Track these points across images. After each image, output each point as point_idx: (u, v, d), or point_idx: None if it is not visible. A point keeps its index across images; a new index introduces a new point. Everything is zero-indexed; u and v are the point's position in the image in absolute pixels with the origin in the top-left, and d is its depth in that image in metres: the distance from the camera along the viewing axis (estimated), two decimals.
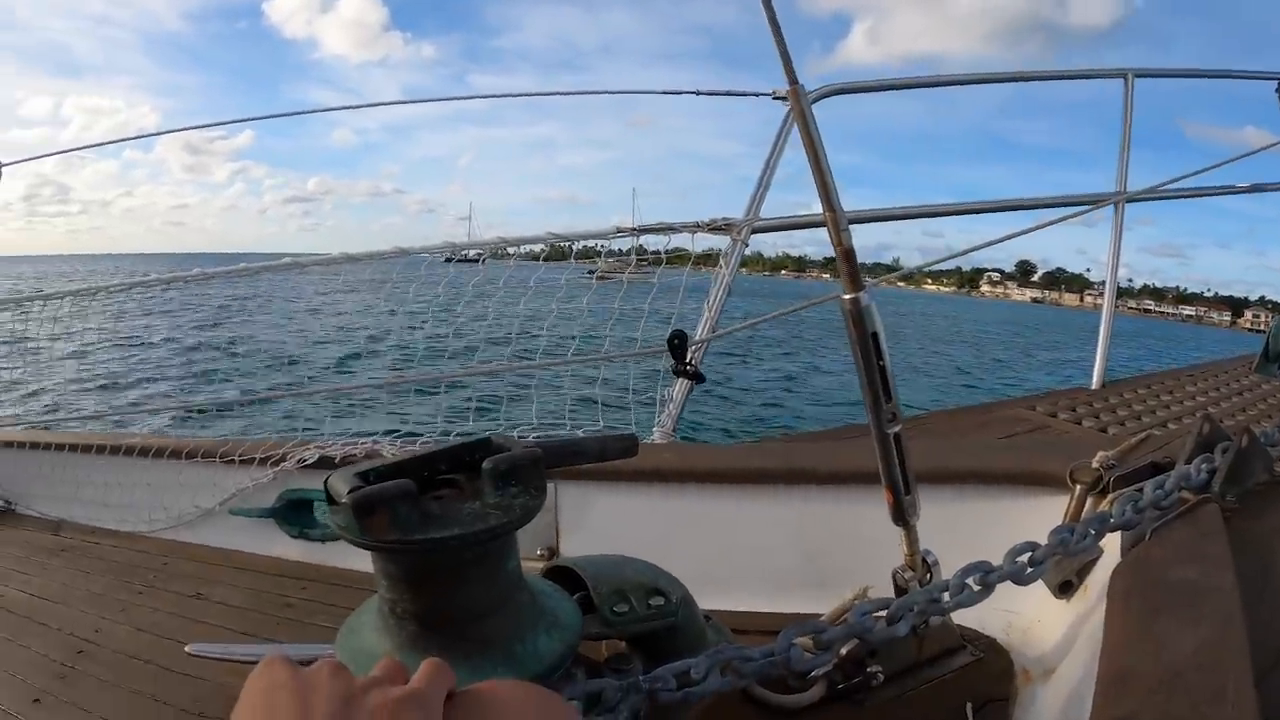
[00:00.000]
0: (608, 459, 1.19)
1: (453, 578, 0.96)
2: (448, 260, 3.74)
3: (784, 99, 3.22)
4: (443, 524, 0.91)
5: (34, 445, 4.05)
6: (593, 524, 2.57)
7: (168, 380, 14.11)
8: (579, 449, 1.17)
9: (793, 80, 1.25)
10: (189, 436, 3.78)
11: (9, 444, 4.17)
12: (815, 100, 3.20)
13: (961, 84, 3.89)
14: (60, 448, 3.93)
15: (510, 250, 3.63)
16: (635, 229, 3.24)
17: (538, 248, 3.56)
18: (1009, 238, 3.82)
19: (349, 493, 0.90)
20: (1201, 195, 4.30)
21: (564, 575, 1.26)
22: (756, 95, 3.29)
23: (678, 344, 2.91)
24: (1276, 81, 4.58)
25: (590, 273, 4.07)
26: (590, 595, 1.20)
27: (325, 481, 0.98)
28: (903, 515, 1.41)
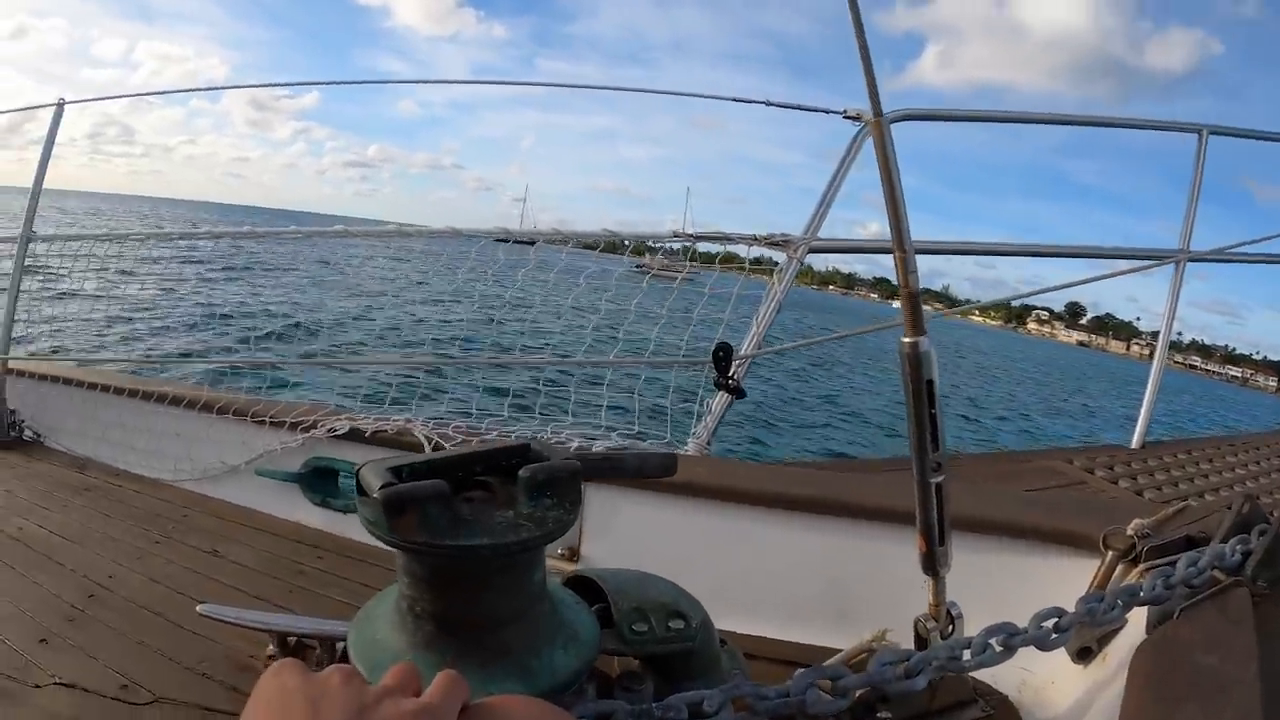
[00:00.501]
0: (646, 476, 1.18)
1: (477, 584, 0.94)
2: (499, 240, 3.76)
3: (855, 119, 3.21)
4: (473, 531, 0.90)
5: (67, 381, 4.12)
6: (618, 529, 2.56)
7: (205, 333, 14.23)
8: (618, 465, 1.15)
9: (878, 112, 1.23)
10: (220, 391, 3.82)
11: (44, 377, 4.24)
12: (890, 123, 3.17)
13: (1038, 122, 3.79)
14: (93, 387, 4.00)
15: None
16: (692, 235, 3.24)
17: (567, 232, 3.58)
18: (1065, 286, 3.78)
19: (381, 488, 0.89)
20: (1267, 261, 4.20)
21: (585, 584, 1.25)
22: (828, 112, 3.28)
23: (722, 357, 2.90)
24: None
25: (638, 268, 4.07)
26: (610, 609, 1.20)
27: (357, 471, 0.96)
28: (933, 565, 1.39)
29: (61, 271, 4.59)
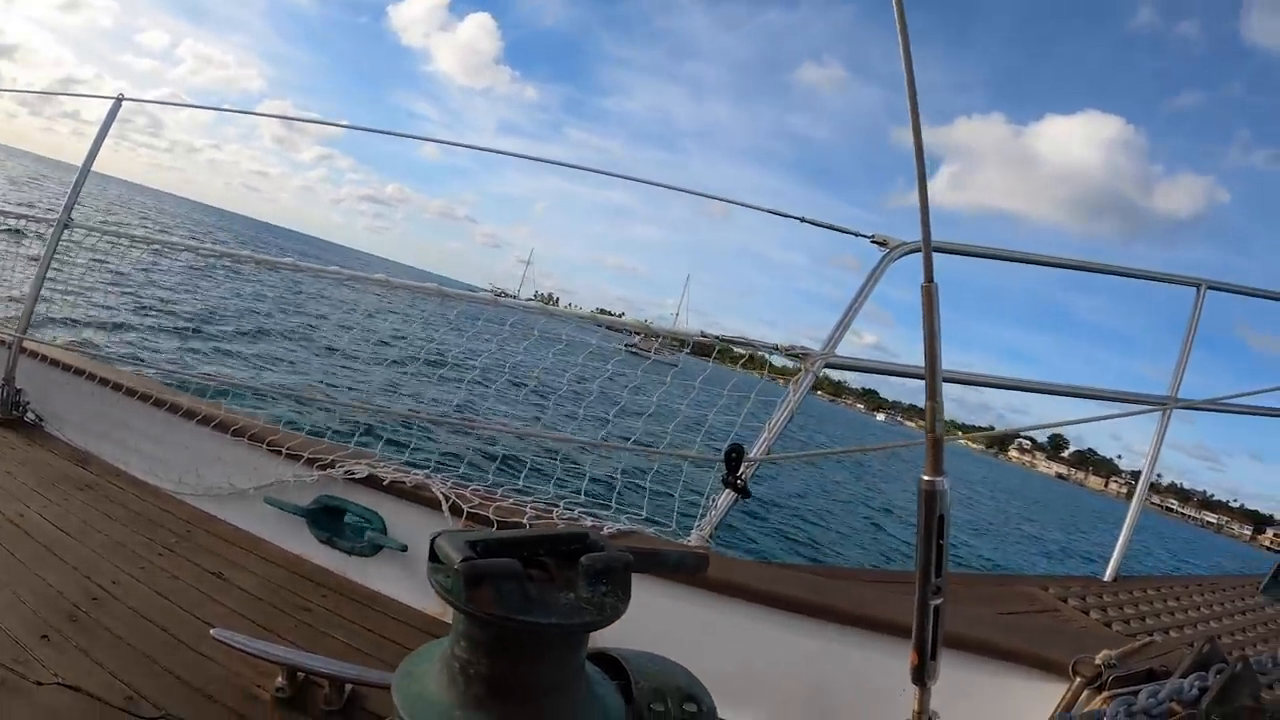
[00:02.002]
0: (681, 573, 1.29)
1: (531, 656, 1.03)
2: (503, 295, 3.80)
3: (881, 244, 3.36)
4: (543, 610, 0.98)
5: (79, 371, 4.10)
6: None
7: (216, 348, 14.10)
8: (659, 560, 1.25)
9: (929, 279, 1.35)
10: (231, 409, 3.82)
11: (53, 362, 4.20)
12: (905, 254, 3.31)
13: (1045, 265, 3.84)
14: (105, 382, 3.98)
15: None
16: (718, 337, 3.34)
17: (589, 310, 3.66)
18: (1057, 425, 3.89)
19: (462, 561, 0.97)
20: (1254, 414, 4.22)
21: (606, 661, 1.31)
22: (857, 235, 3.44)
23: (734, 457, 3.01)
24: None
25: (628, 347, 4.10)
26: (630, 687, 1.30)
27: (434, 540, 1.05)
28: (923, 677, 1.51)
29: (94, 263, 4.55)
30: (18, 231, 4.80)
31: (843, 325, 3.34)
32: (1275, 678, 2.35)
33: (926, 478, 1.35)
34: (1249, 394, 4.10)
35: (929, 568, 1.36)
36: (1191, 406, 4.07)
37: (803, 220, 3.66)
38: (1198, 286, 4.03)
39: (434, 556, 1.04)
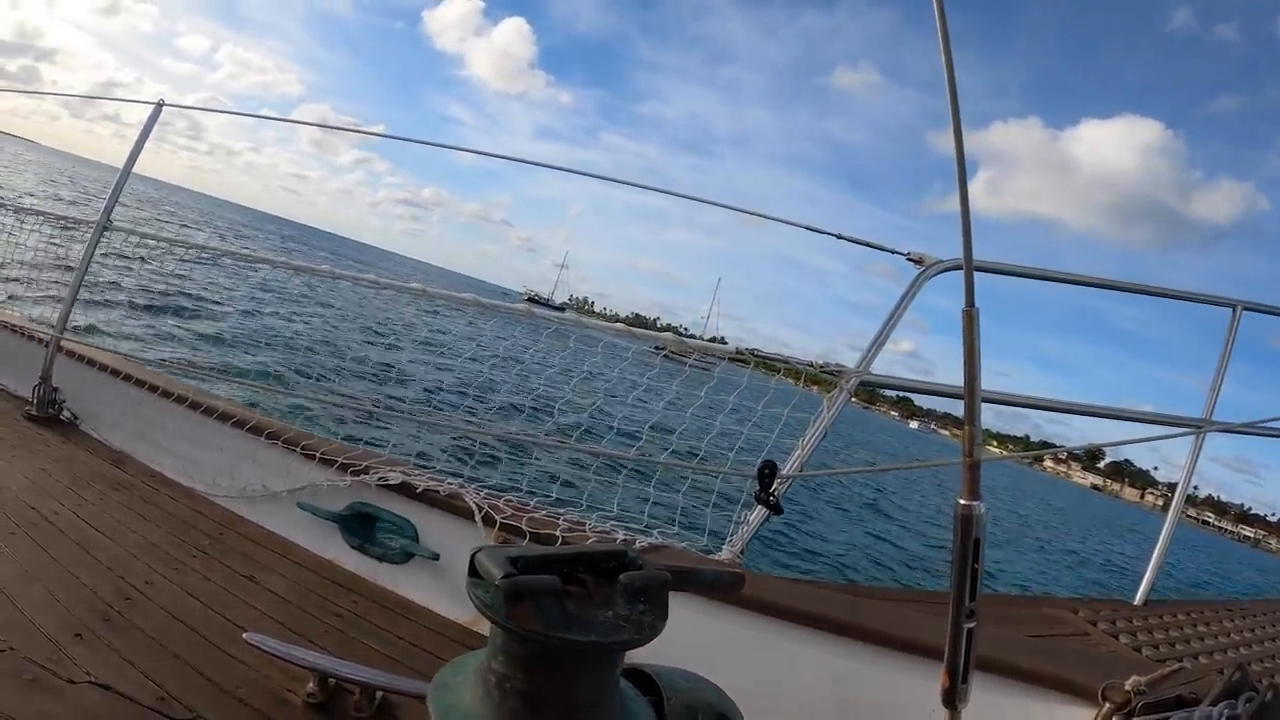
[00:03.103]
0: (717, 591, 1.31)
1: (568, 673, 1.03)
2: (534, 301, 3.82)
3: (917, 262, 3.36)
4: (582, 627, 0.99)
5: (115, 372, 4.14)
6: None
7: (254, 351, 14.16)
8: (696, 578, 1.26)
9: (970, 303, 1.34)
10: (267, 414, 3.87)
11: (92, 362, 4.23)
12: (941, 272, 3.30)
13: (1078, 284, 3.78)
14: (140, 383, 4.03)
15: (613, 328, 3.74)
16: (752, 352, 3.34)
17: (624, 314, 3.66)
18: (1092, 447, 3.75)
19: (503, 577, 0.98)
20: None
21: (638, 677, 1.30)
22: (893, 253, 3.44)
23: (767, 474, 3.00)
24: None
25: (657, 349, 4.11)
26: (662, 703, 1.32)
27: (474, 555, 1.03)
28: (953, 700, 1.52)
29: (132, 265, 4.58)
30: (67, 229, 4.83)
31: (878, 342, 3.33)
32: None
33: (964, 502, 1.36)
34: None
35: (963, 591, 1.37)
36: (1227, 430, 4.00)
37: (840, 237, 3.65)
38: (1233, 307, 3.99)
39: (474, 571, 1.05)
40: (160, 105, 4.49)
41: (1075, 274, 3.89)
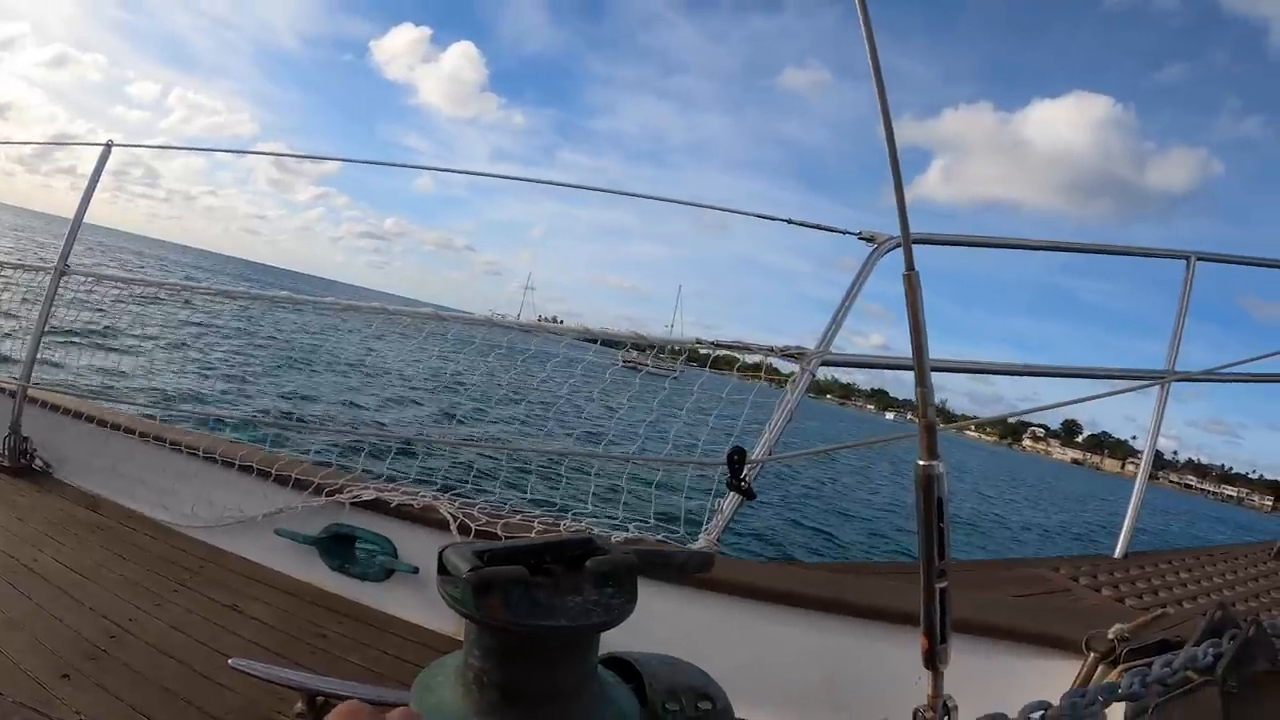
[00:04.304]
0: (687, 572, 1.31)
1: (543, 661, 1.00)
2: (525, 330, 3.84)
3: (869, 240, 3.38)
4: (551, 613, 0.99)
5: (79, 415, 4.11)
6: (632, 618, 2.61)
7: (219, 380, 14.15)
8: (665, 561, 1.28)
9: (910, 266, 1.35)
10: (237, 441, 3.90)
11: (56, 408, 4.22)
12: (894, 248, 3.32)
13: (1029, 248, 3.83)
14: (103, 424, 4.02)
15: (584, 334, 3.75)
16: (713, 343, 3.36)
17: (595, 329, 3.68)
18: (1056, 406, 3.84)
19: (469, 571, 1.02)
20: (1251, 380, 4.22)
21: (618, 665, 1.36)
22: (844, 233, 3.46)
23: (737, 460, 3.01)
24: None
25: (625, 363, 4.11)
26: (644, 689, 1.31)
27: (441, 552, 1.08)
28: (934, 662, 1.51)
29: (90, 309, 4.58)
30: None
31: (836, 322, 3.35)
32: None
33: (922, 462, 1.37)
34: (1246, 361, 4.09)
35: (932, 552, 1.38)
36: (1189, 378, 4.07)
37: (789, 221, 3.68)
38: (1187, 259, 4.05)
39: (443, 569, 0.99)
40: (109, 146, 4.49)
41: (1026, 239, 3.95)
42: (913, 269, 1.37)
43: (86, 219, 4.48)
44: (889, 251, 3.33)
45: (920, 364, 1.37)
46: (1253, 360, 4.14)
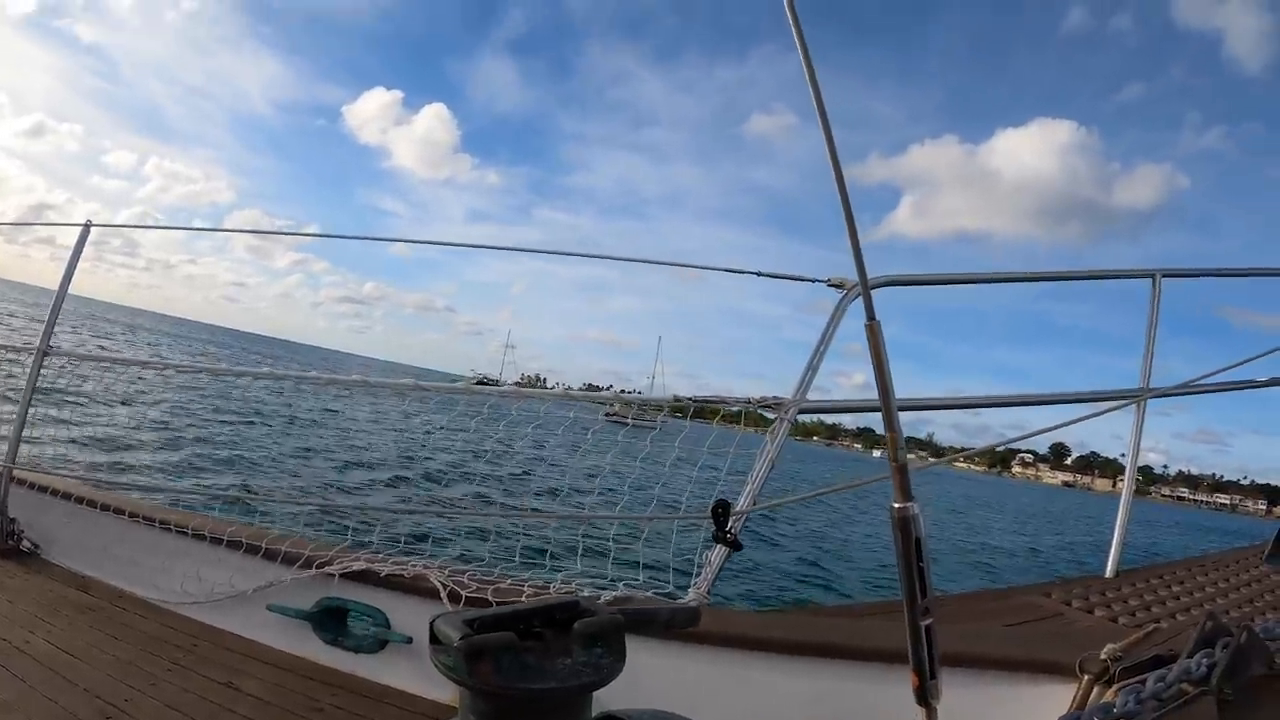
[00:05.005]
0: (674, 628, 1.33)
1: None
2: (482, 383, 3.88)
3: (838, 286, 3.43)
4: (541, 676, 1.03)
5: (68, 496, 4.08)
6: (626, 676, 2.60)
7: (194, 452, 14.13)
8: (652, 618, 1.30)
9: (871, 317, 1.37)
10: (225, 519, 3.90)
11: (43, 489, 4.19)
12: (857, 297, 3.35)
13: (996, 281, 3.90)
14: (94, 504, 3.98)
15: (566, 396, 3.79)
16: (692, 399, 3.38)
17: (577, 387, 3.73)
18: (1038, 433, 3.85)
19: (460, 639, 1.01)
20: (1224, 390, 4.30)
21: None
22: (813, 281, 3.50)
23: (721, 513, 3.02)
24: None
25: (607, 415, 4.14)
26: None
27: (432, 622, 1.09)
28: (926, 698, 1.52)
29: (73, 388, 4.60)
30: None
31: (811, 370, 3.38)
32: None
33: (897, 505, 1.38)
34: (1219, 371, 4.13)
35: (914, 590, 1.38)
36: (1164, 394, 4.10)
37: (758, 274, 3.74)
38: (1153, 276, 4.10)
39: (435, 639, 1.07)
40: (88, 226, 4.53)
41: (989, 273, 4.01)
42: (873, 319, 1.39)
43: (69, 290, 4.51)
44: (858, 297, 3.36)
45: (887, 409, 1.39)
46: (1226, 369, 4.19)
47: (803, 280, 3.56)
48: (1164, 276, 4.11)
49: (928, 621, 1.39)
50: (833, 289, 3.45)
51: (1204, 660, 1.87)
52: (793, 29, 1.26)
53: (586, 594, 3.16)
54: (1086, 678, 2.10)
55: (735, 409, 3.39)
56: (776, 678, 2.63)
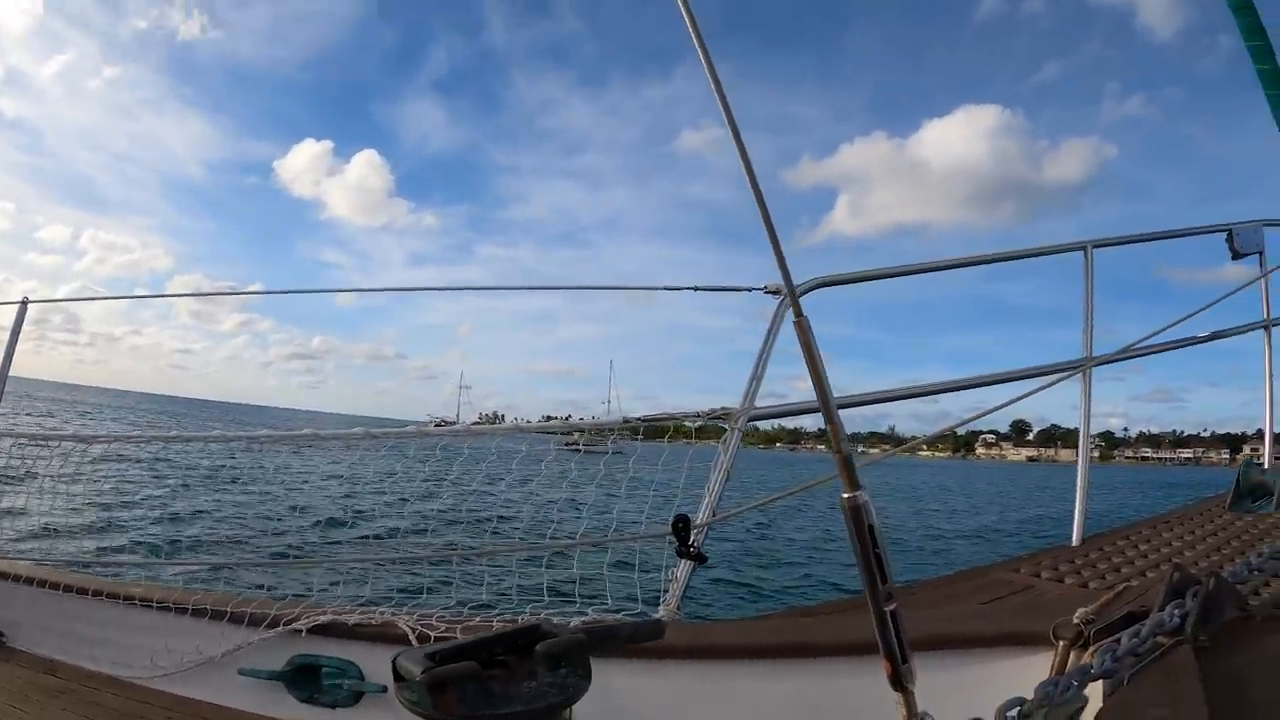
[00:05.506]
0: (638, 641, 1.32)
1: None
2: (442, 424, 3.89)
3: (775, 293, 3.49)
4: (506, 701, 1.04)
5: (29, 580, 4.01)
6: (604, 698, 2.60)
7: (154, 524, 14.00)
8: (615, 633, 1.30)
9: (798, 314, 1.43)
10: (188, 588, 3.86)
11: (4, 575, 4.13)
12: (803, 293, 3.39)
13: (935, 270, 4.08)
14: (56, 586, 3.92)
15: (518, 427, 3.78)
16: (642, 419, 3.42)
17: (535, 419, 3.74)
18: (986, 413, 3.97)
19: (422, 673, 1.02)
20: (1166, 350, 4.44)
21: None
22: (750, 290, 3.56)
23: (681, 527, 3.04)
24: (1226, 233, 4.87)
25: (568, 445, 4.15)
26: None
27: (394, 661, 1.10)
28: (900, 682, 1.51)
29: (24, 469, 4.53)
30: None
31: (755, 378, 3.44)
32: (1258, 582, 2.40)
33: (846, 494, 1.39)
34: (1159, 332, 4.23)
35: (874, 577, 1.39)
36: (1107, 361, 4.21)
37: (695, 289, 3.81)
38: (1084, 249, 4.23)
39: (399, 676, 1.09)
40: (25, 303, 4.51)
41: (920, 264, 4.07)
42: (800, 315, 1.43)
43: (12, 372, 4.45)
44: (800, 295, 3.38)
45: (825, 402, 1.42)
46: (1165, 329, 4.29)
47: (740, 290, 3.61)
48: (1095, 247, 4.24)
49: (892, 607, 1.40)
50: (770, 295, 3.50)
51: (1175, 611, 1.87)
52: (693, 37, 1.30)
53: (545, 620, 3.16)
54: (1062, 644, 2.10)
55: (685, 424, 3.40)
56: (759, 684, 2.62)
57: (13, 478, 4.60)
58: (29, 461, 4.49)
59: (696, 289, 3.80)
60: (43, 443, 4.58)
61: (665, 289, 3.94)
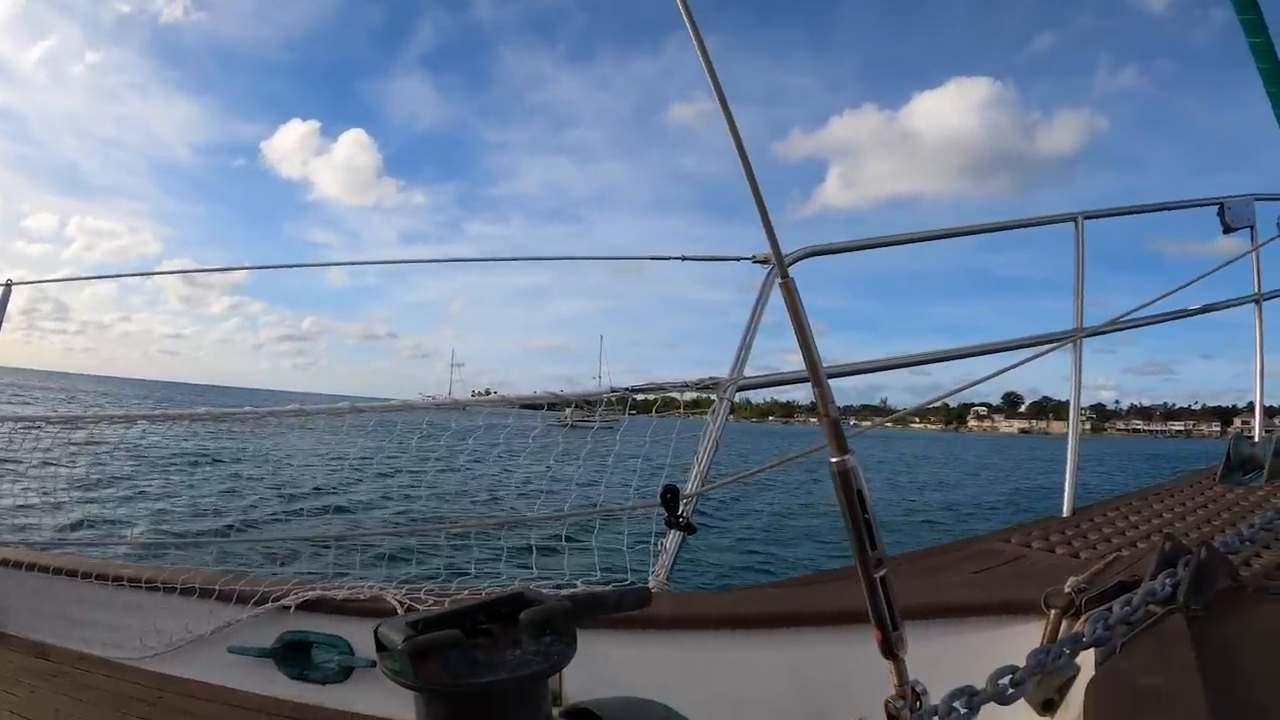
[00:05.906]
0: (624, 610, 1.30)
1: (494, 716, 1.04)
2: (445, 408, 3.85)
3: (764, 262, 3.46)
4: (490, 669, 1.01)
5: (18, 564, 4.01)
6: (597, 672, 2.58)
7: (148, 504, 14.04)
8: (600, 601, 1.28)
9: (784, 275, 1.40)
10: (177, 568, 3.89)
11: None
12: (792, 263, 3.37)
13: (924, 240, 4.03)
14: (45, 569, 3.92)
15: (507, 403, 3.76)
16: (628, 389, 3.40)
17: (513, 397, 3.71)
18: (975, 384, 3.95)
19: (404, 641, 0.99)
20: (1156, 322, 4.43)
21: (581, 716, 1.32)
22: (738, 260, 3.55)
23: (670, 498, 3.04)
24: (1218, 206, 4.86)
25: (559, 421, 4.13)
26: None
27: (376, 630, 1.07)
28: (891, 650, 1.49)
29: (8, 453, 4.54)
30: None
31: (744, 348, 3.43)
32: (1250, 553, 2.40)
33: (834, 459, 1.38)
34: (1149, 304, 4.23)
35: (863, 543, 1.38)
36: (1096, 333, 4.20)
37: (683, 259, 3.78)
38: (1074, 220, 4.20)
39: (381, 646, 1.06)
40: (9, 285, 4.49)
41: (911, 233, 4.05)
42: (787, 277, 1.41)
43: (3, 363, 4.43)
44: (790, 264, 3.37)
45: (812, 365, 1.40)
46: (1155, 301, 4.28)
47: (728, 259, 3.59)
48: (1085, 219, 4.20)
49: (881, 573, 1.40)
50: (759, 265, 3.48)
51: (1167, 580, 1.87)
52: (681, 9, 1.30)
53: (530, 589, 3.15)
54: (1053, 612, 2.09)
55: (674, 394, 3.38)
56: (750, 653, 2.62)
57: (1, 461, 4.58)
58: (14, 448, 4.48)
59: (685, 259, 3.80)
60: (30, 424, 4.60)
61: (653, 259, 3.94)
